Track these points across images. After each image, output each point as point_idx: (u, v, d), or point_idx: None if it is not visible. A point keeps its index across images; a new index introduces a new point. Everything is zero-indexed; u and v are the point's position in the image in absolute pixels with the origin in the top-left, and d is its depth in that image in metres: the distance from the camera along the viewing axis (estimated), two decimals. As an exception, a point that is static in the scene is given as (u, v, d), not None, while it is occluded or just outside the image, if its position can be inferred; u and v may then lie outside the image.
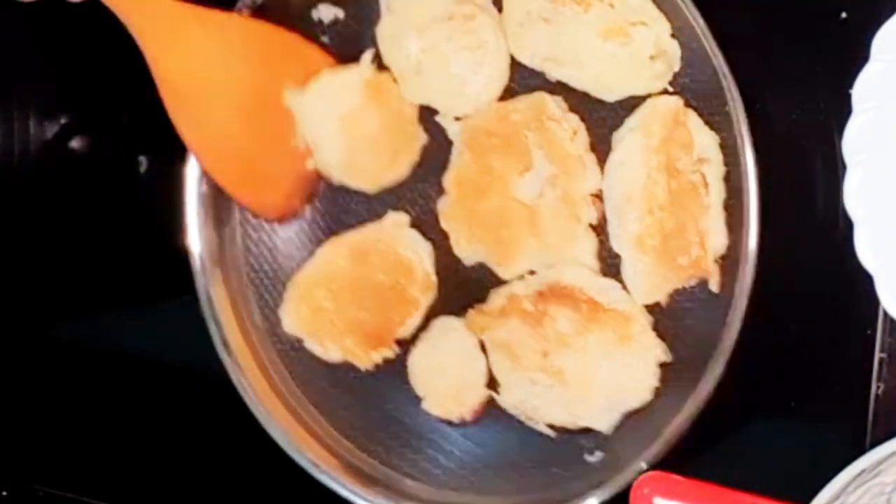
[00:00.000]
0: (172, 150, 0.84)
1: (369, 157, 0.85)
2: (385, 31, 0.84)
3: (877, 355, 0.76)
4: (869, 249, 0.72)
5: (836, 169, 0.74)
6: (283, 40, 0.84)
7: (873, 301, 0.73)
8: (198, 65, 0.80)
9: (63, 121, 0.99)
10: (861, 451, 0.71)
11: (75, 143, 1.00)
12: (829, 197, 0.76)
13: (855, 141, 0.73)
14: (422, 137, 0.84)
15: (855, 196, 0.73)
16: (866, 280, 0.72)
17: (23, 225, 0.98)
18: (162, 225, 0.90)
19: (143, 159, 0.97)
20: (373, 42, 0.85)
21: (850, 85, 0.73)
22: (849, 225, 0.73)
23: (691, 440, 0.77)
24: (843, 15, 0.79)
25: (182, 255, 0.87)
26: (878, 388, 0.76)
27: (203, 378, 0.93)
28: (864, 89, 0.73)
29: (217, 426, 0.93)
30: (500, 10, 0.82)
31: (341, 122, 0.84)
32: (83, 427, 0.97)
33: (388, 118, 0.84)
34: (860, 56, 0.73)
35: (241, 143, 0.83)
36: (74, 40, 0.94)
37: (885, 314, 0.76)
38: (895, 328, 0.76)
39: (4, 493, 0.95)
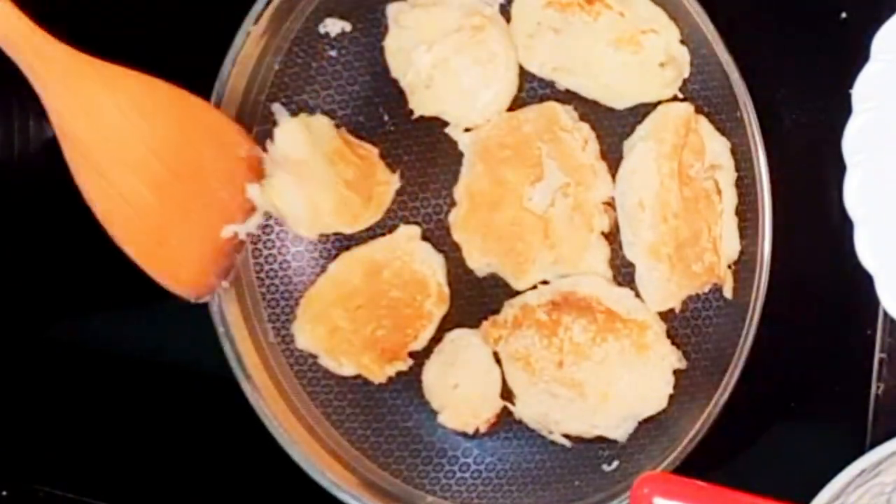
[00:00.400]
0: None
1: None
2: (393, 45, 0.84)
3: (877, 355, 0.77)
4: (869, 249, 0.72)
5: (835, 169, 0.74)
6: (191, 106, 0.80)
7: (873, 301, 0.73)
8: (102, 122, 0.76)
9: (63, 121, 0.99)
10: (861, 451, 0.71)
11: (75, 143, 1.00)
12: (829, 197, 0.76)
13: (855, 141, 0.73)
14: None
15: (855, 196, 0.73)
16: (866, 280, 0.72)
17: (23, 225, 0.98)
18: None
19: (142, 159, 0.97)
20: (380, 55, 0.85)
21: (850, 85, 0.73)
22: (849, 225, 0.73)
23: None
24: (843, 15, 0.79)
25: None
26: (878, 388, 0.76)
27: (203, 377, 0.93)
28: (864, 89, 0.73)
29: (217, 425, 0.93)
30: (508, 20, 0.82)
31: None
32: (83, 427, 0.97)
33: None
34: (860, 56, 0.73)
35: (150, 212, 0.79)
36: (75, 40, 0.94)
37: (885, 314, 0.76)
38: (895, 328, 0.76)
39: (4, 493, 0.95)
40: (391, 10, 0.84)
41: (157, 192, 0.79)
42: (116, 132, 0.76)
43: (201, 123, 0.81)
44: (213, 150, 0.81)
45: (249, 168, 0.83)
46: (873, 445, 0.72)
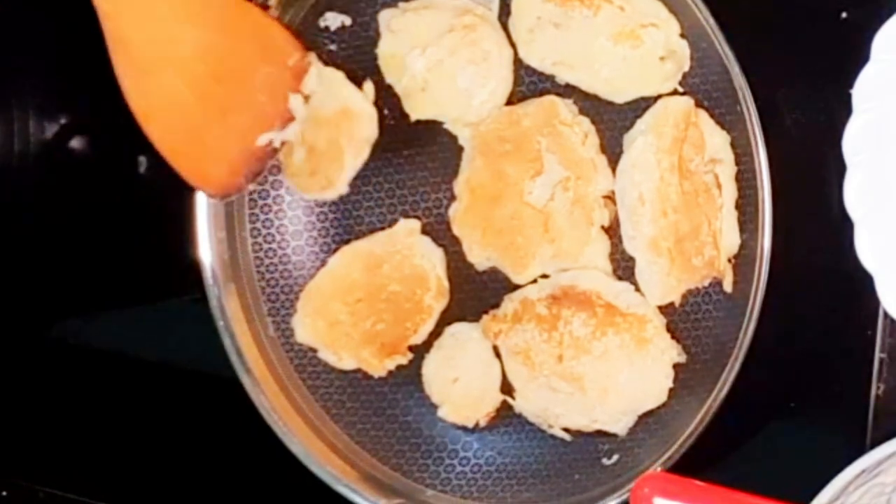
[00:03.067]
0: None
1: None
2: (386, 51, 0.84)
3: (877, 355, 0.77)
4: (869, 249, 0.72)
5: (836, 169, 0.74)
6: (243, 10, 0.82)
7: (873, 301, 0.73)
8: (152, 25, 0.78)
9: (63, 121, 0.99)
10: (861, 451, 0.71)
11: (75, 143, 1.00)
12: (829, 197, 0.76)
13: (855, 141, 0.73)
14: None
15: (855, 196, 0.73)
16: (866, 280, 0.72)
17: (23, 225, 0.98)
18: (162, 225, 0.90)
19: (143, 159, 0.97)
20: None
21: (850, 85, 0.73)
22: (849, 225, 0.73)
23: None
24: (844, 15, 0.79)
25: (182, 256, 0.87)
26: (878, 388, 0.76)
27: (202, 373, 0.93)
28: (864, 89, 0.73)
29: (217, 421, 0.93)
30: (507, 15, 0.82)
31: None
32: (83, 427, 0.97)
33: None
34: (860, 56, 0.73)
35: (189, 112, 0.80)
36: (75, 40, 0.94)
37: (885, 314, 0.76)
38: (895, 328, 0.76)
39: (4, 494, 0.95)
40: (383, 16, 0.84)
41: (198, 93, 0.80)
42: (164, 32, 0.78)
43: (252, 30, 0.82)
44: (260, 57, 0.82)
45: (294, 77, 0.84)
46: (873, 445, 0.71)
